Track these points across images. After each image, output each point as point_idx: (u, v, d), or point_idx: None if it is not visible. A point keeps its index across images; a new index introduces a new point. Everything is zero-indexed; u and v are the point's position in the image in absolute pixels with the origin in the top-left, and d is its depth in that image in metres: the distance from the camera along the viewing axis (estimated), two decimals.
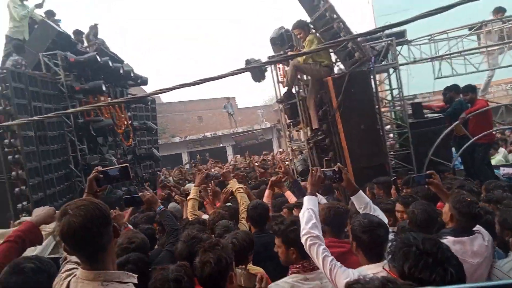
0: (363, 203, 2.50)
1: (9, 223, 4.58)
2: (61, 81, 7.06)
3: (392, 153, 7.41)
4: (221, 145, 23.94)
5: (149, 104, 10.89)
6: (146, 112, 10.93)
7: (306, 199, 2.32)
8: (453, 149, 7.28)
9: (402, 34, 7.73)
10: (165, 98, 25.17)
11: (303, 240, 2.12)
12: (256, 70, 6.96)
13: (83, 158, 7.30)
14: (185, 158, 22.71)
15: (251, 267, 2.52)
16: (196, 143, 23.74)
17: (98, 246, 1.52)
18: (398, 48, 7.71)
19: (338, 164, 2.61)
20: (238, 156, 16.67)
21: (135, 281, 1.60)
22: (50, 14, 8.07)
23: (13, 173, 5.82)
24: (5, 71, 5.87)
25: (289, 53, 6.21)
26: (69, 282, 1.58)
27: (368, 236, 2.05)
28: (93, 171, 2.07)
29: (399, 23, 3.32)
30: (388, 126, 8.36)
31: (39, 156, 6.13)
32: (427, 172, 3.00)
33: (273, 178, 4.10)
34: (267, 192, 4.06)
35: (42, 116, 4.98)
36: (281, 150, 17.11)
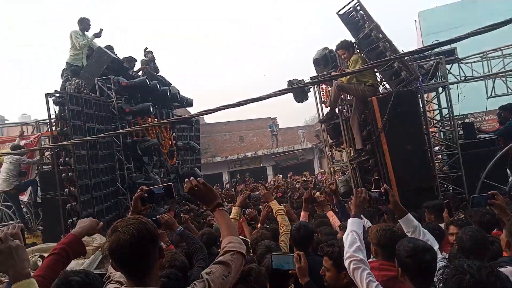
0: (411, 226, 2.38)
1: (60, 238, 4.82)
2: (113, 104, 7.47)
3: (441, 175, 7.05)
4: (261, 165, 24.00)
5: (193, 124, 11.21)
6: (190, 132, 11.25)
7: (350, 221, 2.25)
8: (508, 171, 6.81)
9: (452, 52, 7.45)
10: (208, 118, 25.81)
11: (346, 263, 2.04)
12: (299, 91, 6.97)
13: (129, 177, 7.58)
14: (225, 177, 22.98)
15: None
16: (237, 163, 23.98)
17: (144, 264, 1.55)
18: (448, 66, 7.44)
19: (385, 185, 2.51)
20: (280, 176, 16.60)
21: None
22: (108, 48, 8.65)
23: (66, 189, 6.15)
24: (64, 95, 6.29)
25: (333, 73, 6.16)
26: None
27: (413, 261, 1.93)
28: (138, 190, 2.10)
29: (449, 41, 3.17)
30: (437, 148, 8.00)
31: (90, 174, 6.45)
32: (489, 192, 2.80)
33: (305, 196, 4.03)
34: (302, 214, 3.98)
35: (95, 136, 5.27)
36: (322, 170, 16.83)
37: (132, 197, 7.53)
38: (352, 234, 2.15)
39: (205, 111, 3.87)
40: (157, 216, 3.28)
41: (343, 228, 3.49)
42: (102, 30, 8.06)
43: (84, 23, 7.80)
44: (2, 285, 1.77)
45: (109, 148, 7.31)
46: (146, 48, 10.04)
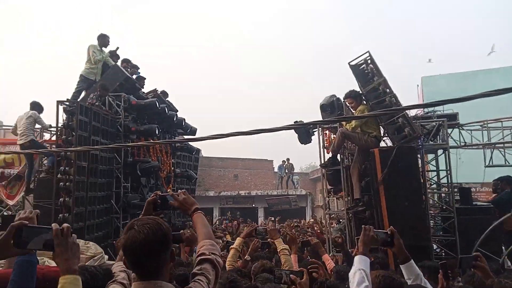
0: (413, 273, 2.36)
1: None
2: (120, 121, 7.57)
3: (434, 238, 7.02)
4: (253, 205, 23.78)
5: (193, 153, 11.28)
6: (189, 161, 11.29)
7: (357, 259, 2.22)
8: (503, 247, 6.78)
9: (454, 117, 7.70)
10: (205, 152, 25.91)
11: None
12: (304, 133, 7.12)
13: (125, 196, 7.53)
14: (216, 213, 22.67)
15: None
16: (229, 200, 23.76)
17: (154, 265, 1.57)
18: (449, 130, 7.65)
19: (391, 227, 2.52)
20: (272, 218, 16.35)
21: None
22: (126, 62, 8.92)
23: (61, 199, 6.09)
24: (74, 104, 6.41)
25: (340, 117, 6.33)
26: None
27: None
28: (152, 194, 2.12)
29: (454, 100, 3.33)
30: (431, 211, 8.01)
31: (87, 187, 6.41)
32: (473, 254, 2.83)
33: (291, 236, 4.02)
34: (292, 257, 3.92)
35: (100, 146, 5.32)
36: (312, 219, 16.64)
37: (123, 217, 7.47)
38: (360, 273, 2.12)
39: (216, 135, 3.97)
40: (180, 232, 3.26)
41: (337, 271, 3.46)
42: (118, 48, 8.34)
43: (103, 39, 8.09)
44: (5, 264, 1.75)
45: (109, 163, 7.32)
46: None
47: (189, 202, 2.03)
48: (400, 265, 2.46)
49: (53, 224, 1.60)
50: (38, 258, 2.13)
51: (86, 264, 3.08)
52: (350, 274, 2.18)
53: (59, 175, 6.13)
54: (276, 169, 23.97)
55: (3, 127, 14.72)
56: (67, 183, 6.07)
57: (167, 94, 9.84)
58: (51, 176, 6.53)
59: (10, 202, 8.25)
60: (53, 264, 2.21)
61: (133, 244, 1.52)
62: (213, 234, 1.99)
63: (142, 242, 1.52)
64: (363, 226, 2.33)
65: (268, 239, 4.25)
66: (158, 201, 2.06)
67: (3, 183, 8.12)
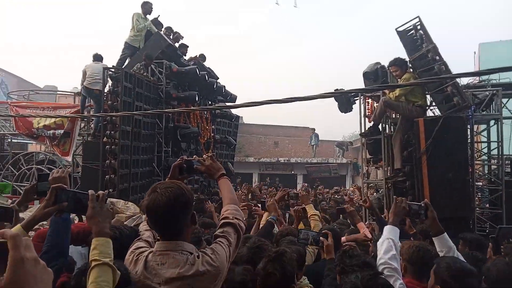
0: (446, 246, 2.30)
1: None
2: (161, 87, 7.76)
3: (479, 210, 6.74)
4: (292, 172, 23.89)
5: (233, 120, 11.39)
6: (228, 127, 11.44)
7: (387, 229, 2.21)
8: None
9: (510, 86, 7.11)
10: (246, 119, 26.07)
11: (379, 269, 2.01)
12: (344, 101, 6.92)
13: (165, 159, 7.83)
14: (255, 178, 23.06)
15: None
16: (269, 166, 24.00)
17: (175, 227, 1.64)
18: (504, 100, 7.10)
19: (426, 200, 2.45)
20: (306, 184, 16.38)
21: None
22: (169, 30, 9.01)
23: (107, 161, 6.45)
24: (119, 71, 6.62)
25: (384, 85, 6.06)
26: (146, 256, 1.67)
27: (458, 283, 1.85)
28: (178, 159, 2.14)
29: (506, 68, 3.06)
30: (479, 183, 7.65)
31: (131, 150, 6.72)
32: None
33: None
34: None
35: (143, 112, 5.50)
36: (354, 185, 16.49)
37: (164, 179, 7.84)
38: (388, 242, 2.12)
39: (250, 103, 3.95)
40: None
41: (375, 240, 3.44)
42: (159, 16, 8.40)
43: (146, 7, 8.18)
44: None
45: (151, 128, 7.59)
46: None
47: (215, 167, 2.04)
48: (433, 238, 2.40)
49: (89, 191, 1.70)
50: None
51: (125, 222, 3.27)
52: (379, 242, 2.18)
53: (105, 139, 6.46)
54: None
55: (58, 92, 15.66)
56: (112, 146, 6.39)
57: (205, 57, 9.82)
58: (98, 140, 6.89)
59: (67, 159, 8.85)
60: None
61: (155, 206, 1.58)
62: (237, 200, 2.01)
63: (163, 204, 1.57)
64: (394, 197, 2.27)
65: (300, 205, 4.31)
66: (184, 165, 2.07)
67: (55, 142, 8.70)
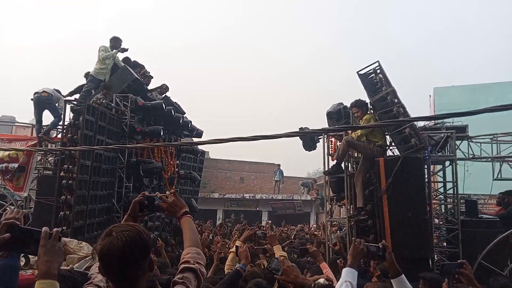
0: None
1: None
2: (125, 121, 7.59)
3: (437, 249, 6.91)
4: (257, 209, 23.74)
5: (198, 155, 11.26)
6: (193, 162, 11.27)
7: (345, 271, 2.20)
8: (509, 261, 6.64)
9: (463, 129, 7.59)
10: (212, 154, 25.97)
11: None
12: (308, 139, 7.07)
13: (126, 196, 7.53)
14: (219, 215, 22.68)
15: None
16: (234, 203, 23.76)
17: (131, 274, 1.52)
18: (458, 142, 7.54)
19: (383, 241, 2.47)
20: (270, 221, 16.25)
21: None
22: (137, 65, 9.01)
23: (63, 197, 6.11)
24: (82, 104, 6.45)
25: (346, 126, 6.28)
26: None
27: None
28: (139, 195, 2.05)
29: (463, 113, 3.26)
30: (436, 221, 7.91)
31: (89, 186, 6.42)
32: (459, 261, 2.73)
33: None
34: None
35: (103, 146, 5.33)
36: (315, 225, 16.56)
37: (124, 216, 7.50)
38: (346, 284, 2.10)
39: (216, 140, 3.95)
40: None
41: None
42: (127, 49, 8.40)
43: (116, 42, 8.16)
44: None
45: (113, 163, 7.32)
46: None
47: (178, 205, 1.96)
48: (391, 280, 2.40)
49: (43, 228, 1.58)
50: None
51: (78, 264, 3.07)
52: (337, 286, 2.15)
53: (62, 173, 6.16)
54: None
55: (16, 124, 14.98)
56: (69, 181, 6.09)
57: (168, 88, 9.70)
58: (54, 174, 6.56)
59: (21, 194, 8.30)
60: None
61: (109, 251, 1.46)
62: (200, 242, 1.93)
63: (120, 249, 1.46)
64: (353, 238, 2.28)
65: (266, 244, 4.22)
66: (145, 202, 1.98)
67: (8, 176, 8.19)
